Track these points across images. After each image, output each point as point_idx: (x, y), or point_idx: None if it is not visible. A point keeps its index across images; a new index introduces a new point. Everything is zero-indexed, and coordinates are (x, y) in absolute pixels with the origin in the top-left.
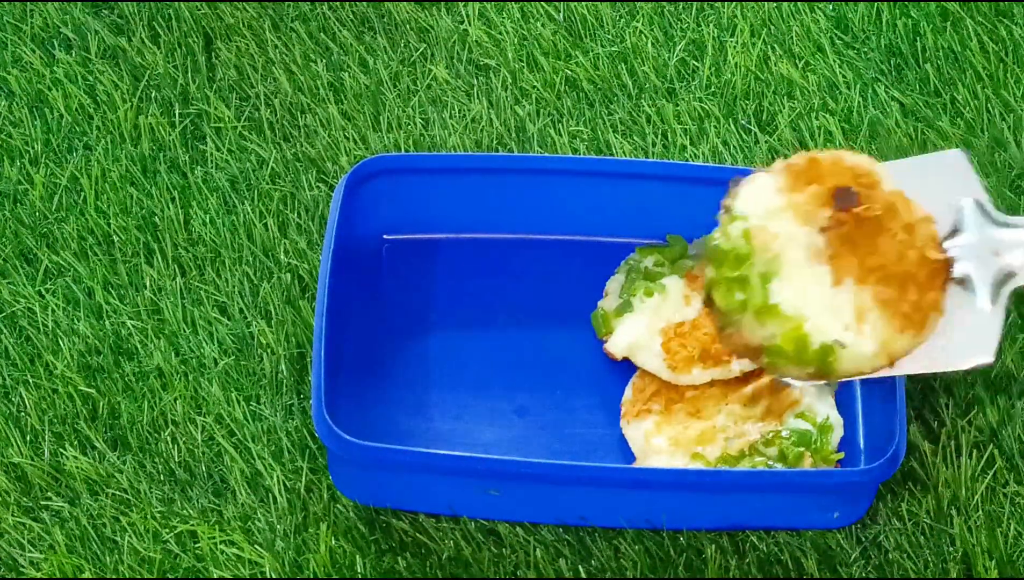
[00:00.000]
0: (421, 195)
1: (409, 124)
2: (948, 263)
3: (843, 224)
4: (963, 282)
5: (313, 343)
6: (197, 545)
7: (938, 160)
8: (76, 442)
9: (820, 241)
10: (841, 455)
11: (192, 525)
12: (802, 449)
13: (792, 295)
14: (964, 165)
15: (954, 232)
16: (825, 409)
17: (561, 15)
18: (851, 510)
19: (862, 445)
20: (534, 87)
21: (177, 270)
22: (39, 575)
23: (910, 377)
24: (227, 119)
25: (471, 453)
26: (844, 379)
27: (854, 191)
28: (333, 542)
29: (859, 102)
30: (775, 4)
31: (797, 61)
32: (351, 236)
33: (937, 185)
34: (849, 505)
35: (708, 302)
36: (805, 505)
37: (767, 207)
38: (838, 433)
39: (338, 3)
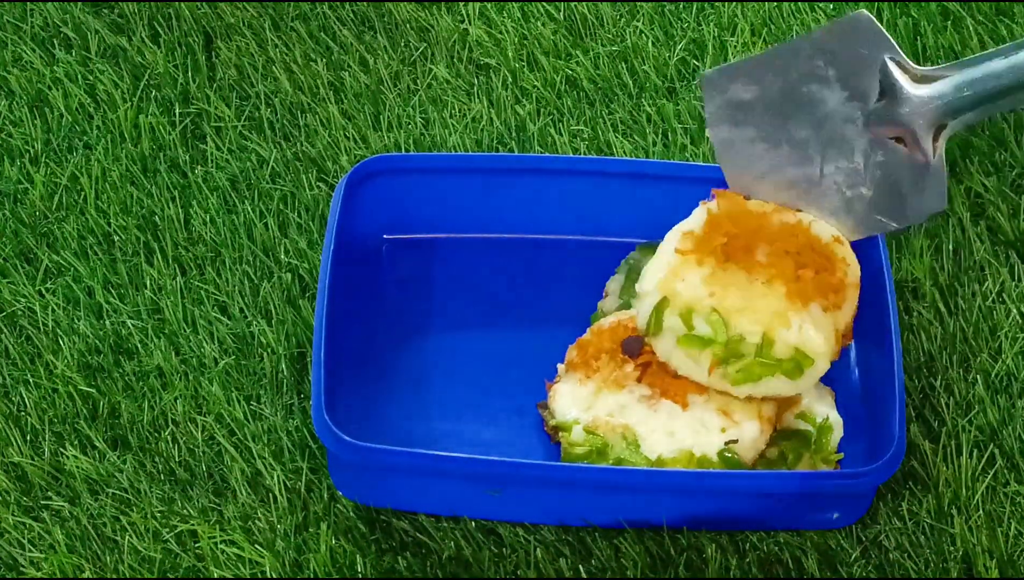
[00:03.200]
0: (421, 195)
1: (409, 124)
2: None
3: (649, 363)
4: (901, 141)
5: (313, 343)
6: (197, 545)
7: (847, 25)
8: (76, 442)
9: (645, 389)
10: (841, 455)
11: (192, 525)
12: (802, 450)
13: (662, 441)
14: (872, 26)
15: (881, 95)
16: (825, 410)
17: (561, 14)
18: (851, 510)
19: (862, 445)
20: (534, 86)
21: (177, 269)
22: (39, 575)
23: (910, 376)
24: (227, 118)
25: (471, 454)
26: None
27: (634, 337)
28: (333, 542)
29: None
30: (775, 4)
31: None
32: (351, 236)
33: (852, 49)
34: (849, 505)
35: None
36: (805, 506)
37: (583, 403)
38: (838, 433)
39: (338, 3)
